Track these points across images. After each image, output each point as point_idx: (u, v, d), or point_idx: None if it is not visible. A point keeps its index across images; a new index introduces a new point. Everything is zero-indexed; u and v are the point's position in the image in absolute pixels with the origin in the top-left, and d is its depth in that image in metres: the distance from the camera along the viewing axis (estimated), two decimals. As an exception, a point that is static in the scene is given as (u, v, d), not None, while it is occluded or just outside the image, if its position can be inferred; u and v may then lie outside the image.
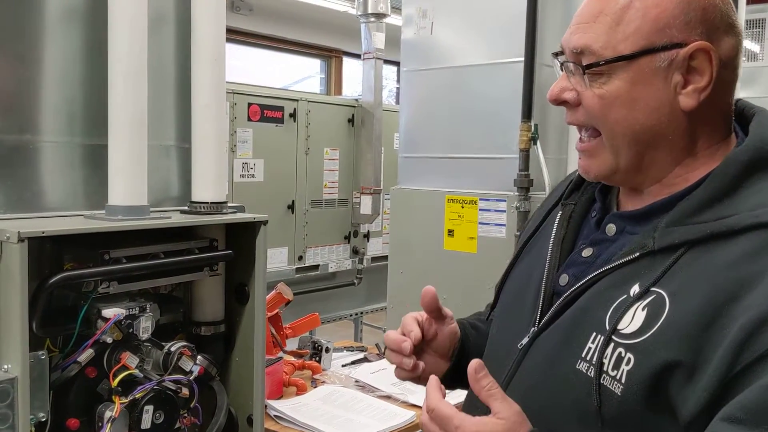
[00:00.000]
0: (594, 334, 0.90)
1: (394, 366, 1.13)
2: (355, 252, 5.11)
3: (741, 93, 3.98)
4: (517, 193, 2.91)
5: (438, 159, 3.23)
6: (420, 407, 2.12)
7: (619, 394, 0.85)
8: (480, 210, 2.99)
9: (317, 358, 2.48)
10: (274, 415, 2.09)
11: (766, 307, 0.77)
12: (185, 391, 1.53)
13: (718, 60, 0.90)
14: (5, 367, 1.29)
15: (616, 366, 0.86)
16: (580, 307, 0.95)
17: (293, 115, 4.56)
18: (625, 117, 0.92)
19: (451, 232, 3.10)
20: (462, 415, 0.88)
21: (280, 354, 2.38)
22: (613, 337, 0.87)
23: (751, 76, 4.85)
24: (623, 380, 0.85)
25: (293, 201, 4.63)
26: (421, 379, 1.12)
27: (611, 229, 1.00)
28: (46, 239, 1.43)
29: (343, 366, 2.52)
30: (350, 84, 9.72)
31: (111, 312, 1.40)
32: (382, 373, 2.39)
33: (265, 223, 1.66)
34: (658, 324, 0.84)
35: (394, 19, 4.94)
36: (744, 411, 0.75)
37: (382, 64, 5.04)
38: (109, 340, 1.42)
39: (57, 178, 1.57)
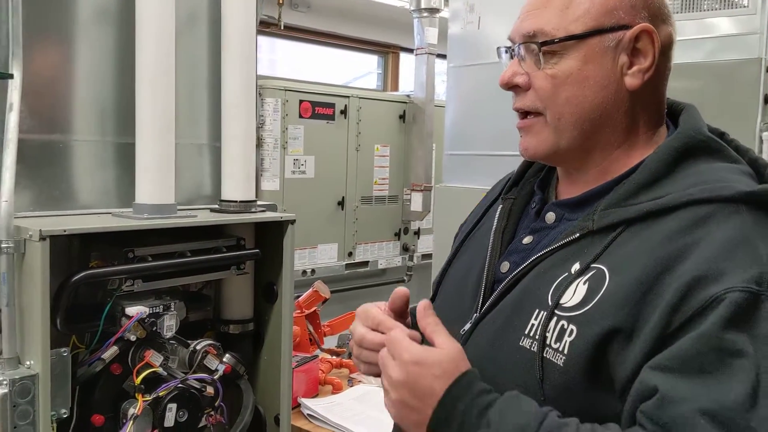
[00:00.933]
0: (537, 311, 0.93)
1: (361, 364, 1.07)
2: (405, 249, 5.07)
3: None
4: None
5: (484, 156, 3.17)
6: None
7: (561, 365, 0.88)
8: (525, 209, 2.92)
9: (355, 357, 2.46)
10: (307, 414, 2.08)
11: (696, 272, 0.82)
12: (210, 389, 1.54)
13: (659, 43, 0.96)
14: (28, 363, 1.31)
15: (559, 338, 0.89)
16: (522, 289, 0.98)
17: (344, 112, 4.56)
18: (575, 95, 0.96)
19: (496, 231, 3.04)
20: (411, 342, 0.91)
21: (317, 352, 2.36)
22: (556, 311, 0.90)
23: None
24: (566, 351, 0.88)
25: (343, 197, 4.62)
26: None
27: (550, 217, 1.04)
28: (73, 237, 1.45)
29: (381, 365, 2.50)
30: (408, 80, 9.69)
31: (134, 310, 1.41)
32: (419, 373, 2.35)
33: (293, 222, 1.65)
34: (599, 295, 0.87)
35: (446, 14, 4.88)
36: (672, 360, 0.80)
37: (435, 60, 4.99)
38: (132, 337, 1.43)
39: (87, 176, 1.60)
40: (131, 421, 1.41)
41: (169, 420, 1.46)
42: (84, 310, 1.43)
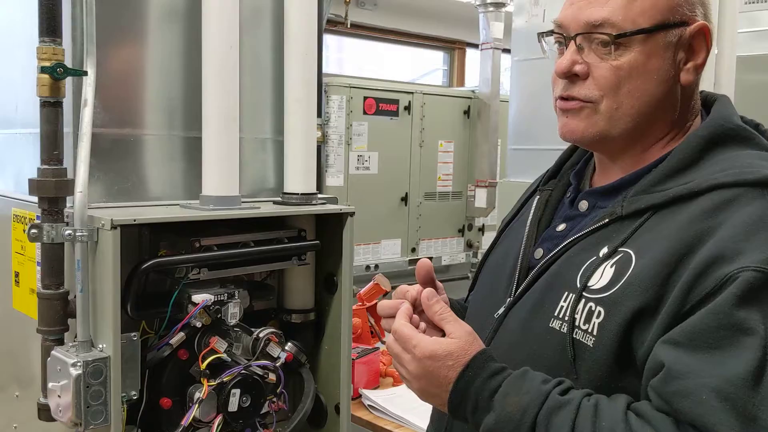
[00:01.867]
0: (566, 293, 0.97)
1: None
2: (469, 245, 5.06)
3: None
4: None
5: (549, 151, 3.13)
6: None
7: (591, 345, 0.92)
8: (590, 204, 2.88)
9: (416, 350, 2.48)
10: (368, 405, 2.11)
11: (714, 252, 0.85)
12: (272, 376, 1.58)
13: (711, 40, 0.99)
14: (100, 346, 1.37)
15: (587, 320, 0.93)
16: (553, 273, 1.02)
17: (408, 108, 4.58)
18: (637, 87, 0.98)
19: (559, 227, 3.01)
20: (421, 335, 0.97)
21: (378, 344, 2.39)
22: (584, 293, 0.94)
23: None
24: (594, 332, 0.92)
25: (406, 193, 4.65)
26: None
27: (583, 205, 1.08)
28: (144, 227, 1.51)
29: (442, 359, 2.51)
30: (474, 75, 9.64)
31: (200, 297, 1.46)
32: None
33: (352, 214, 1.68)
34: (626, 277, 0.91)
35: (511, 8, 4.85)
36: (683, 335, 0.84)
37: (500, 54, 4.96)
38: (198, 324, 1.48)
39: (156, 169, 1.65)
40: (197, 405, 1.46)
41: (233, 405, 1.50)
42: (153, 297, 1.49)
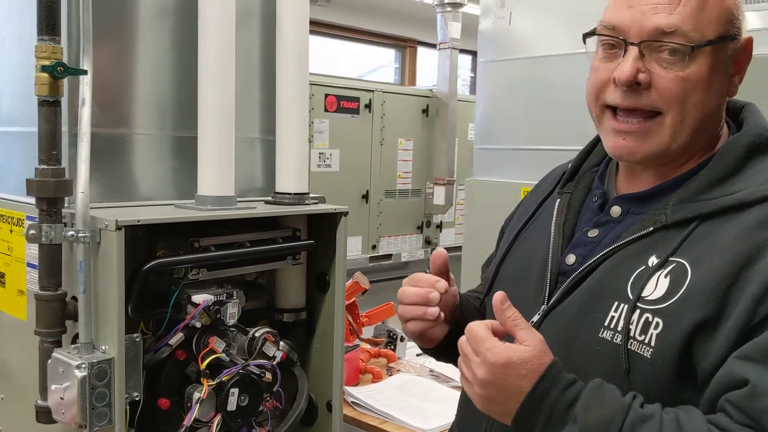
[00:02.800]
0: (616, 303, 0.95)
1: (407, 321, 1.15)
2: (427, 242, 5.12)
3: None
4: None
5: (515, 150, 3.21)
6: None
7: (648, 357, 0.90)
8: (557, 202, 2.96)
9: (392, 347, 2.51)
10: (351, 402, 2.14)
11: None
12: (268, 375, 1.59)
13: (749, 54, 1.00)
14: (103, 348, 1.36)
15: (644, 331, 0.91)
16: (596, 281, 0.99)
17: (368, 106, 4.60)
18: (701, 100, 0.96)
19: (526, 224, 3.08)
20: (495, 339, 0.93)
21: (357, 342, 2.42)
22: (639, 304, 0.93)
23: None
24: (652, 343, 0.90)
25: (367, 191, 4.68)
26: (424, 338, 1.17)
27: (616, 210, 1.05)
28: (138, 227, 1.50)
29: (417, 355, 2.55)
30: (424, 74, 9.70)
31: (200, 298, 1.46)
32: (456, 363, 2.41)
33: (346, 214, 1.70)
34: (683, 288, 0.90)
35: (468, 8, 4.91)
36: (757, 351, 0.83)
37: (458, 54, 5.02)
38: (198, 324, 1.48)
39: (148, 168, 1.65)
40: (197, 405, 1.46)
41: (232, 404, 1.51)
42: (150, 298, 1.48)
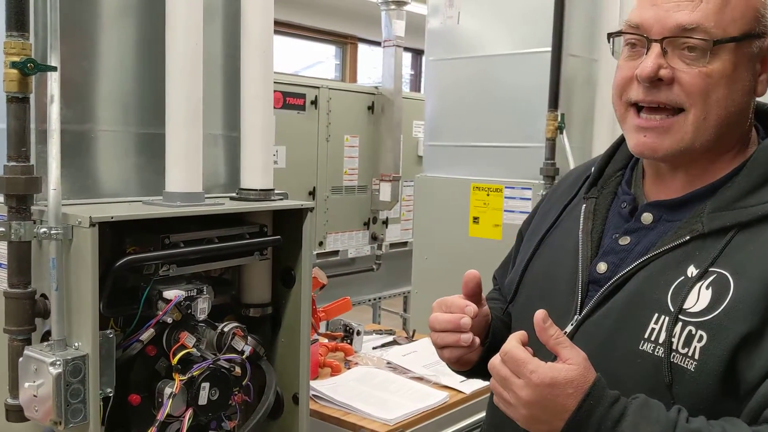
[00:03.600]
0: (656, 315, 0.94)
1: (441, 348, 1.12)
2: (374, 238, 5.16)
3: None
4: (542, 181, 2.97)
5: (463, 147, 3.29)
6: (452, 389, 2.21)
7: (692, 370, 0.90)
8: (505, 198, 3.05)
9: (349, 341, 2.55)
10: (312, 395, 2.16)
11: None
12: (238, 369, 1.61)
13: None
14: (76, 344, 1.36)
15: (687, 344, 0.91)
16: (633, 291, 0.98)
17: (315, 102, 4.61)
18: (725, 96, 0.96)
19: (476, 220, 3.16)
20: (537, 360, 0.92)
21: (315, 336, 2.44)
22: (680, 316, 0.92)
23: None
24: (696, 356, 0.90)
25: (314, 187, 4.69)
26: (460, 362, 1.15)
27: (647, 218, 1.04)
28: (105, 224, 1.50)
29: (373, 348, 2.59)
30: (363, 70, 9.75)
31: (172, 293, 1.47)
32: (413, 355, 2.46)
33: (311, 209, 1.73)
34: (727, 300, 0.90)
35: (410, 7, 4.98)
36: None
37: (402, 52, 5.08)
38: (169, 320, 1.49)
39: (113, 165, 1.64)
40: (170, 400, 1.47)
41: (203, 398, 1.52)
42: (119, 295, 1.49)
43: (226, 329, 1.60)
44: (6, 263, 1.41)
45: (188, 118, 1.56)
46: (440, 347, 1.12)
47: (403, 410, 2.03)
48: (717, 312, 0.90)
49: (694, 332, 0.91)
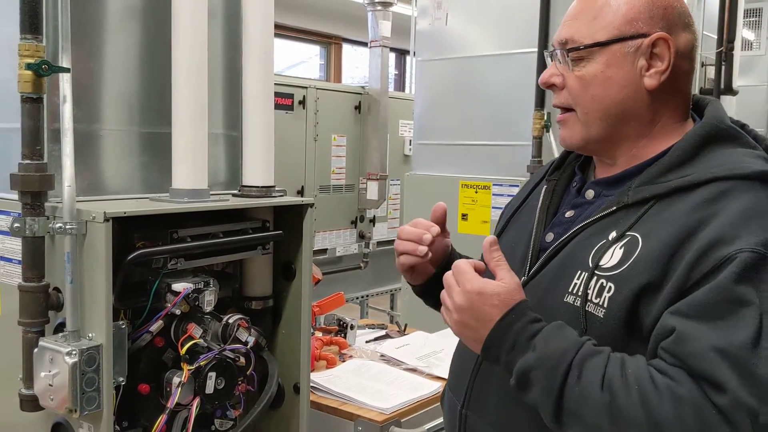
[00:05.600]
0: (579, 272, 1.09)
1: (401, 254, 1.30)
2: (361, 236, 5.22)
3: (739, 81, 4.13)
4: (529, 179, 3.05)
5: (452, 146, 3.36)
6: (445, 379, 2.27)
7: (601, 317, 1.04)
8: (493, 195, 3.13)
9: (343, 335, 2.61)
10: (310, 386, 2.22)
11: (714, 237, 0.99)
12: (242, 359, 1.67)
13: (675, 49, 1.11)
14: (90, 335, 1.41)
15: (599, 294, 1.05)
16: (566, 254, 1.14)
17: (302, 102, 4.67)
18: (599, 93, 1.13)
19: (465, 216, 3.24)
20: (475, 274, 1.08)
21: (311, 330, 2.50)
22: (596, 271, 1.07)
23: (747, 65, 4.99)
24: (605, 305, 1.04)
25: (302, 186, 4.74)
26: (413, 273, 1.35)
27: (590, 193, 1.21)
28: (114, 220, 1.55)
29: (367, 342, 2.66)
30: (347, 70, 9.82)
31: (181, 286, 1.52)
32: (405, 348, 2.53)
33: (312, 205, 1.79)
34: (633, 257, 1.04)
35: (395, 8, 5.05)
36: (689, 307, 0.97)
37: (389, 52, 5.14)
38: (177, 312, 1.55)
39: (119, 164, 1.70)
40: (179, 389, 1.53)
41: (209, 387, 1.58)
42: (128, 287, 1.54)
43: (231, 320, 1.66)
44: (19, 258, 1.46)
45: (194, 117, 1.62)
46: (399, 253, 1.31)
47: (399, 400, 2.10)
48: (624, 267, 1.04)
49: (605, 284, 1.05)
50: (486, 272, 1.12)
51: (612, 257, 1.06)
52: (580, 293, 1.08)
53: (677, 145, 1.12)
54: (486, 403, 1.20)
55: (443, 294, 1.12)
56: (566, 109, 1.18)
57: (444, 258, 1.38)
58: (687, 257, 0.99)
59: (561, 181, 1.29)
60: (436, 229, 1.28)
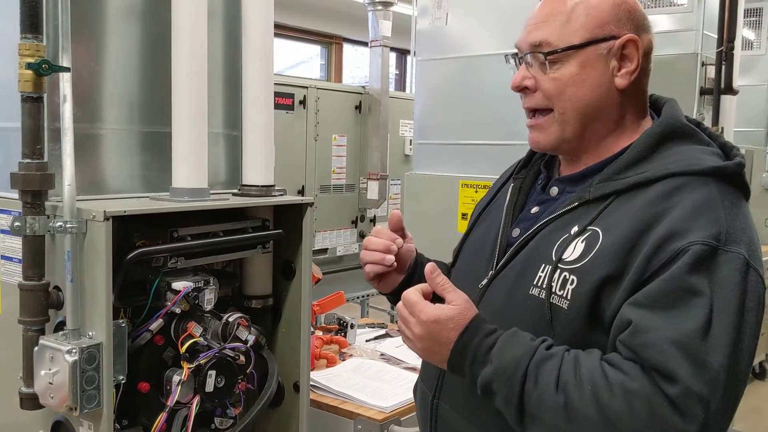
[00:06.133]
0: (543, 265, 1.14)
1: (367, 263, 1.36)
2: (361, 236, 5.23)
3: (739, 81, 4.13)
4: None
5: (452, 145, 3.36)
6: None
7: (565, 308, 1.09)
8: (493, 194, 3.13)
9: (343, 334, 2.62)
10: (310, 385, 2.23)
11: (668, 230, 1.03)
12: (242, 358, 1.67)
13: (643, 49, 1.17)
14: (90, 334, 1.42)
15: (563, 286, 1.10)
16: (531, 248, 1.18)
17: (303, 102, 4.68)
18: (575, 94, 1.16)
19: (465, 216, 3.24)
20: (425, 302, 1.13)
21: (311, 329, 2.51)
22: (559, 265, 1.11)
23: (748, 65, 4.99)
24: (569, 297, 1.09)
25: (303, 186, 4.75)
26: (381, 282, 1.40)
27: (554, 190, 1.25)
28: (114, 218, 1.56)
29: (367, 341, 2.66)
30: (348, 70, 9.82)
31: (181, 285, 1.53)
32: (405, 347, 2.53)
33: (311, 204, 1.79)
34: (594, 250, 1.08)
35: (395, 8, 5.06)
36: (646, 298, 1.01)
37: (389, 52, 5.15)
38: (177, 310, 1.55)
39: (119, 163, 1.70)
40: (179, 387, 1.53)
41: (209, 386, 1.59)
42: (128, 286, 1.54)
43: (230, 319, 1.66)
44: (20, 257, 1.47)
45: (194, 116, 1.62)
46: (366, 263, 1.36)
47: (399, 398, 2.10)
48: (586, 260, 1.08)
49: (568, 277, 1.09)
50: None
51: (574, 251, 1.11)
52: (544, 286, 1.12)
53: (636, 143, 1.16)
54: (456, 393, 1.25)
55: (400, 324, 1.17)
56: (537, 113, 1.21)
57: (410, 262, 1.42)
58: (644, 250, 1.04)
59: (527, 179, 1.33)
60: (400, 241, 1.35)
